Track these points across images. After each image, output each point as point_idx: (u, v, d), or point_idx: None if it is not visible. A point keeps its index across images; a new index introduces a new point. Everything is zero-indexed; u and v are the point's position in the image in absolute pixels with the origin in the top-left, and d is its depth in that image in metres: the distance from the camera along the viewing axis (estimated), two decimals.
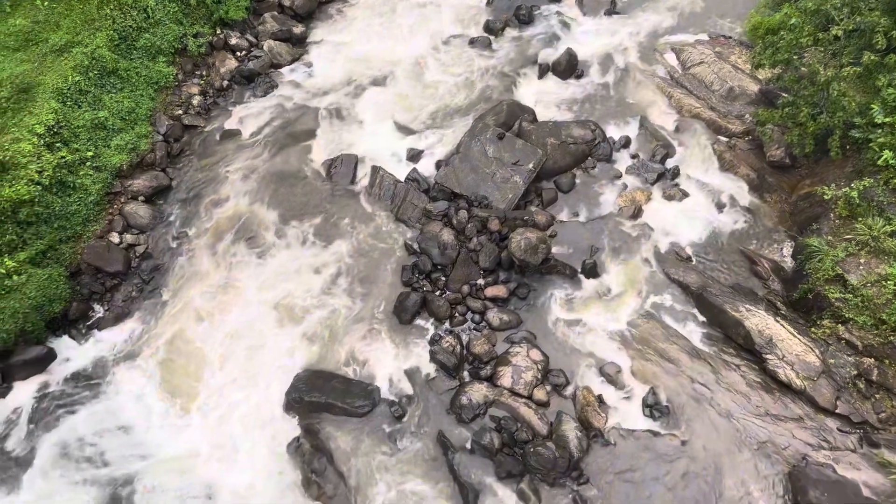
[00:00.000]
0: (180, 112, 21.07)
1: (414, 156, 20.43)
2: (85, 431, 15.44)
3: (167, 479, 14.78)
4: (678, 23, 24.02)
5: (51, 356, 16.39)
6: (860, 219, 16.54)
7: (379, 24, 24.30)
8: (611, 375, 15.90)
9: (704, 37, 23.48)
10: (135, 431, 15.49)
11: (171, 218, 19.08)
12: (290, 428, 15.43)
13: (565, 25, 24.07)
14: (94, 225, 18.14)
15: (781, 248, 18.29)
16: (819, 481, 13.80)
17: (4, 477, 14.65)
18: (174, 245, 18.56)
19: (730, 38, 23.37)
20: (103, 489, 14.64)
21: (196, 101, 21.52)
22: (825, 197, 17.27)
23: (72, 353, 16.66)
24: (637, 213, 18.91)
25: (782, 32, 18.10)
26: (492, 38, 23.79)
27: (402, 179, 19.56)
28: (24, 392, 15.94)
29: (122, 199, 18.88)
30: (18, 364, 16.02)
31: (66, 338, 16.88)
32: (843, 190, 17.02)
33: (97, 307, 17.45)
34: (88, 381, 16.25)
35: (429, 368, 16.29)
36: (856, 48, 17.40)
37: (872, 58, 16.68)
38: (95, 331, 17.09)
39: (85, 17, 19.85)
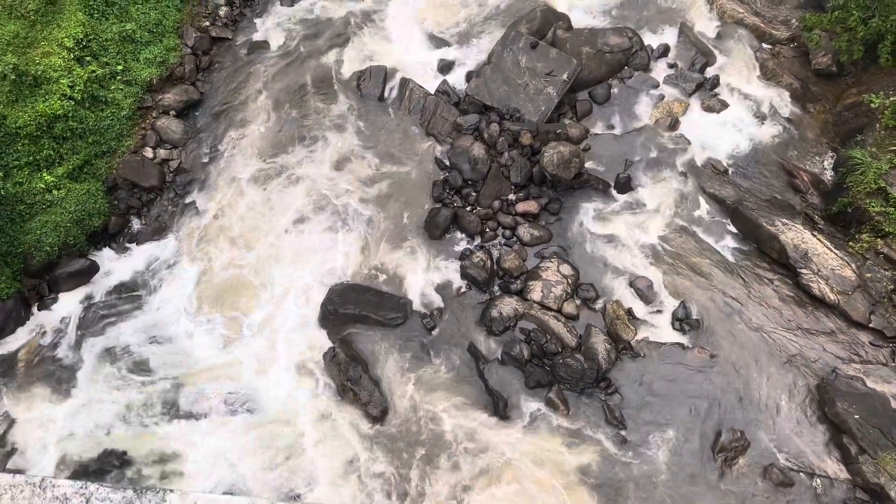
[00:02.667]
0: (207, 24, 20.72)
1: (444, 67, 19.96)
2: (129, 341, 16.06)
3: (209, 387, 15.44)
4: None
5: (93, 268, 16.90)
6: None
7: None
8: (641, 290, 15.94)
9: None
10: (177, 340, 16.05)
11: (203, 133, 19.11)
12: (326, 338, 15.89)
13: None
14: (127, 140, 18.27)
15: (822, 161, 17.78)
16: (848, 393, 13.93)
17: (56, 382, 15.43)
18: (207, 159, 18.67)
19: None
20: (148, 394, 15.34)
21: (223, 11, 21.10)
22: (872, 106, 16.60)
23: (113, 266, 17.14)
24: (674, 125, 18.42)
25: None
26: None
27: (433, 92, 19.21)
28: (70, 303, 16.54)
29: (154, 114, 18.91)
30: (63, 276, 16.57)
31: (107, 251, 17.34)
32: (892, 99, 16.32)
33: (135, 221, 17.81)
34: (131, 293, 16.77)
35: (460, 283, 16.49)
36: None
37: None
38: (135, 244, 17.49)
39: None
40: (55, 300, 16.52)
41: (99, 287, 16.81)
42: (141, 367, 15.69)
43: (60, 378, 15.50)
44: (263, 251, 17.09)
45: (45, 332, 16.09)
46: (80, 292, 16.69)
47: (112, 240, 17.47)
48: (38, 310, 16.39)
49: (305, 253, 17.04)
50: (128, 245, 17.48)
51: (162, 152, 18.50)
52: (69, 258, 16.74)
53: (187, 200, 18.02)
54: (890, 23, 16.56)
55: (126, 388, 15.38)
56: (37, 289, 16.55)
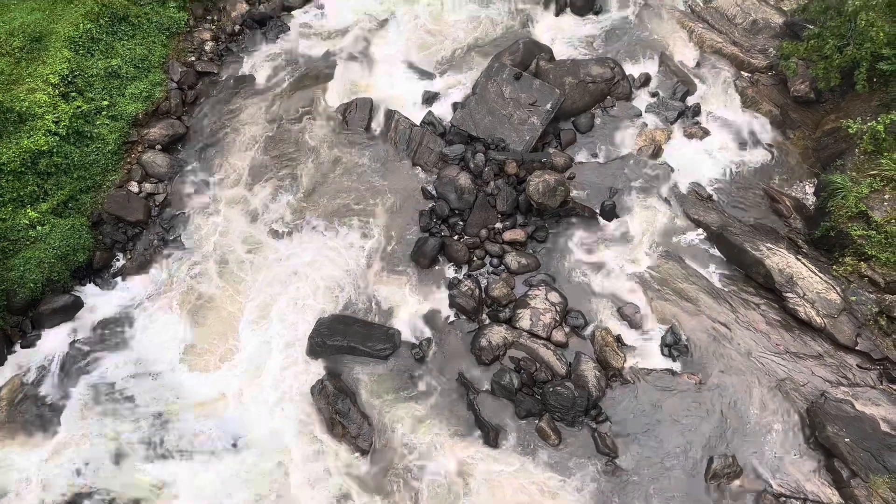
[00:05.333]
0: (193, 58, 20.86)
1: (429, 98, 20.16)
2: (114, 377, 15.84)
3: (195, 422, 15.21)
4: None
5: (78, 304, 16.73)
6: (886, 154, 16.19)
7: None
8: (629, 316, 15.96)
9: None
10: (162, 376, 15.84)
11: (189, 166, 19.11)
12: (314, 371, 15.74)
13: None
14: (113, 174, 18.24)
15: (804, 186, 18.02)
16: (838, 417, 13.93)
17: (40, 421, 15.15)
18: (193, 193, 18.64)
19: None
20: (133, 431, 15.08)
21: (209, 46, 21.27)
22: (850, 132, 16.88)
23: (98, 301, 16.97)
24: (657, 153, 18.64)
25: None
26: None
27: (418, 123, 19.37)
28: (54, 339, 16.32)
29: (140, 148, 18.91)
30: (47, 312, 16.38)
31: (91, 286, 17.18)
32: (869, 124, 16.61)
33: (120, 256, 17.70)
34: (115, 328, 16.59)
35: (448, 312, 16.45)
36: None
37: None
38: (119, 279, 17.36)
39: None
40: (38, 337, 16.30)
41: (83, 323, 16.62)
42: (126, 403, 15.45)
43: (44, 416, 15.22)
44: (250, 283, 17.01)
45: (28, 370, 15.84)
46: (64, 329, 16.49)
47: (97, 275, 17.32)
48: (22, 347, 16.15)
49: (293, 285, 16.95)
50: (113, 280, 17.34)
51: (147, 186, 18.46)
52: (53, 294, 16.58)
53: (172, 235, 17.94)
54: (864, 50, 16.94)
55: (111, 425, 15.11)
56: (20, 326, 16.33)
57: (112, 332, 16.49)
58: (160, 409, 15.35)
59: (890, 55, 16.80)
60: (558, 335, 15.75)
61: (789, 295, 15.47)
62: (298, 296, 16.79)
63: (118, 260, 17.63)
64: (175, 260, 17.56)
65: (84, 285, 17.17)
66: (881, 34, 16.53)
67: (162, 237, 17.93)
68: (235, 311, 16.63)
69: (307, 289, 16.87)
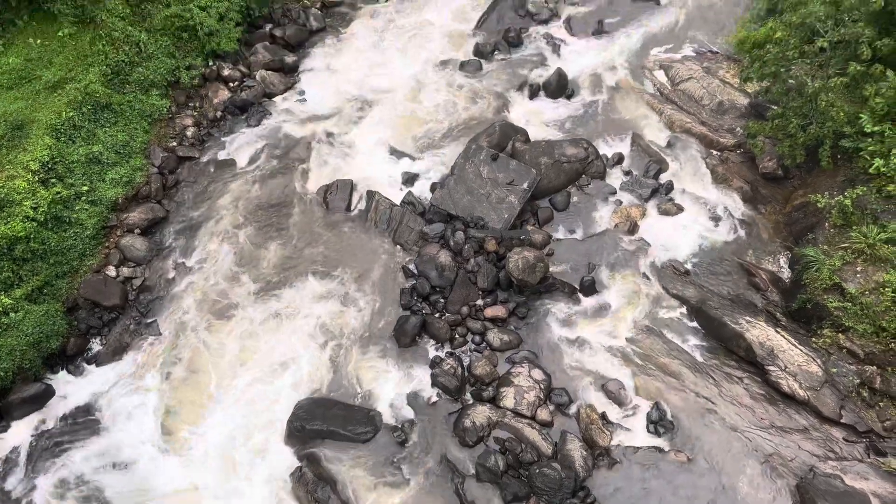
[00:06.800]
0: (175, 144, 21.15)
1: (409, 179, 20.50)
2: (84, 469, 15.26)
3: None
4: (665, 40, 24.29)
5: (49, 393, 16.25)
6: (855, 227, 16.61)
7: (369, 52, 24.48)
8: (614, 392, 15.81)
9: (692, 52, 23.74)
10: (135, 467, 15.30)
11: (168, 250, 19.05)
12: (293, 457, 15.28)
13: (554, 46, 24.33)
14: (90, 259, 18.11)
15: (778, 259, 18.34)
16: (828, 492, 13.69)
17: None
18: (171, 277, 18.50)
19: (717, 53, 23.64)
20: None
21: (190, 132, 21.60)
22: (819, 206, 17.36)
23: (70, 390, 16.53)
24: (633, 229, 18.96)
25: (768, 46, 18.33)
26: (482, 61, 24.00)
27: (398, 203, 19.61)
28: (22, 431, 15.77)
29: (119, 233, 18.87)
30: (16, 402, 15.87)
31: (63, 374, 16.76)
32: (837, 199, 17.11)
33: (95, 342, 17.34)
34: (87, 418, 16.09)
35: (430, 392, 16.19)
36: (841, 59, 17.61)
37: (858, 68, 16.88)
38: (93, 366, 16.97)
39: (78, 53, 20.03)
40: (6, 428, 15.75)
41: (53, 412, 16.12)
42: (96, 498, 14.81)
43: None
44: (227, 368, 16.67)
45: None
46: (34, 419, 15.96)
47: (70, 361, 16.92)
48: None
49: (271, 368, 16.66)
50: (86, 366, 16.94)
51: (125, 270, 18.32)
52: (24, 383, 16.10)
53: (149, 319, 17.68)
54: (826, 129, 17.62)
55: None
56: None
57: (83, 422, 15.97)
58: (132, 501, 14.70)
59: (851, 133, 17.50)
60: (543, 414, 15.51)
61: (771, 368, 15.47)
62: (277, 378, 16.47)
63: (93, 346, 17.26)
64: (150, 345, 17.24)
65: (56, 373, 16.74)
66: (841, 114, 17.26)
67: (138, 321, 17.66)
68: (211, 397, 16.23)
69: (285, 371, 16.57)
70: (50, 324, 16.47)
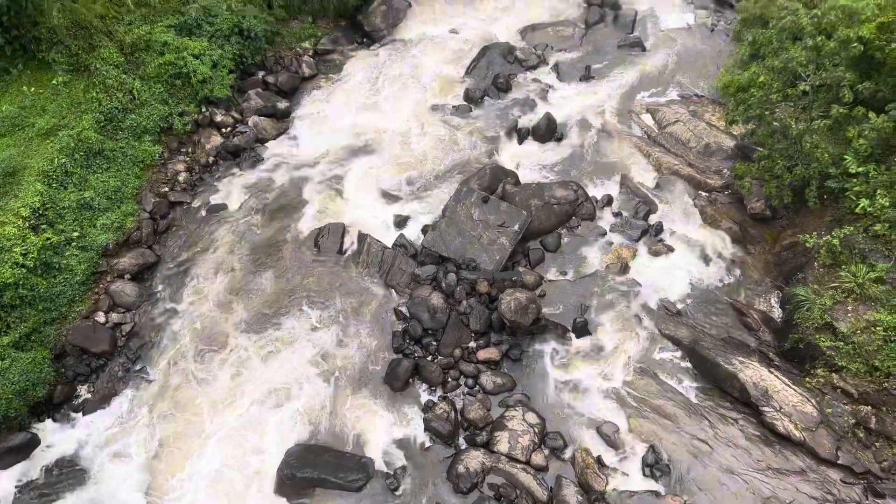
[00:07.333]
0: (166, 189, 21.20)
1: (400, 222, 20.58)
2: None
3: None
4: (652, 84, 24.78)
5: (34, 442, 15.93)
6: (844, 266, 16.72)
7: (361, 97, 24.82)
8: (609, 435, 15.64)
9: (677, 96, 24.19)
10: None
11: (158, 295, 18.93)
12: None
13: (542, 92, 24.74)
14: (79, 305, 17.95)
15: (769, 299, 18.39)
16: None
17: None
18: (161, 322, 18.34)
19: (702, 96, 24.11)
20: None
21: (182, 177, 21.68)
22: (807, 246, 17.49)
23: (56, 439, 16.21)
24: (624, 270, 19.02)
25: (752, 90, 18.69)
26: (472, 106, 24.36)
27: (390, 246, 19.64)
28: (4, 481, 15.40)
29: (109, 278, 18.76)
30: (0, 452, 15.52)
31: (49, 422, 16.46)
32: (825, 238, 17.26)
33: (82, 389, 17.09)
34: (73, 468, 15.75)
35: (423, 437, 15.97)
36: (824, 102, 17.98)
37: (841, 111, 17.22)
38: (80, 414, 16.68)
39: (71, 100, 20.21)
40: None
41: (38, 462, 15.78)
42: None
43: None
44: (216, 415, 16.40)
45: None
46: (17, 469, 15.62)
47: (56, 409, 16.63)
48: None
49: (260, 415, 16.41)
50: (73, 414, 16.64)
51: (115, 316, 18.16)
52: (8, 432, 15.78)
53: (138, 366, 17.47)
54: (812, 170, 17.89)
55: None
56: None
57: (69, 472, 15.62)
58: None
59: (837, 174, 17.75)
60: (538, 458, 15.30)
61: (766, 409, 15.36)
62: (267, 424, 16.21)
63: (80, 394, 16.99)
64: (139, 392, 16.99)
65: (42, 421, 16.44)
66: (826, 155, 17.55)
67: (127, 368, 17.44)
68: (200, 444, 15.92)
69: (276, 418, 16.32)
70: (37, 371, 16.23)
